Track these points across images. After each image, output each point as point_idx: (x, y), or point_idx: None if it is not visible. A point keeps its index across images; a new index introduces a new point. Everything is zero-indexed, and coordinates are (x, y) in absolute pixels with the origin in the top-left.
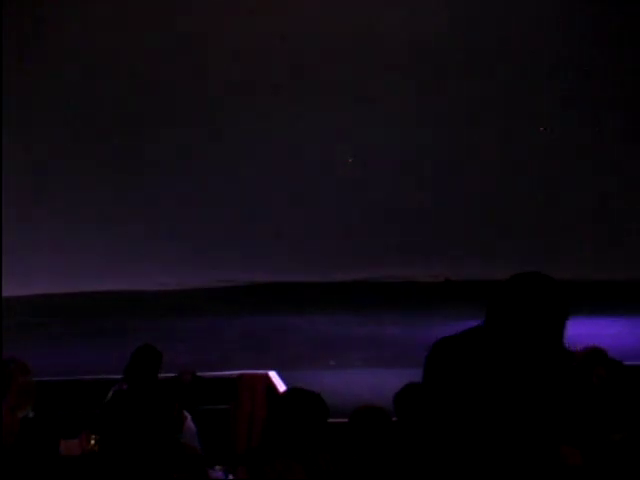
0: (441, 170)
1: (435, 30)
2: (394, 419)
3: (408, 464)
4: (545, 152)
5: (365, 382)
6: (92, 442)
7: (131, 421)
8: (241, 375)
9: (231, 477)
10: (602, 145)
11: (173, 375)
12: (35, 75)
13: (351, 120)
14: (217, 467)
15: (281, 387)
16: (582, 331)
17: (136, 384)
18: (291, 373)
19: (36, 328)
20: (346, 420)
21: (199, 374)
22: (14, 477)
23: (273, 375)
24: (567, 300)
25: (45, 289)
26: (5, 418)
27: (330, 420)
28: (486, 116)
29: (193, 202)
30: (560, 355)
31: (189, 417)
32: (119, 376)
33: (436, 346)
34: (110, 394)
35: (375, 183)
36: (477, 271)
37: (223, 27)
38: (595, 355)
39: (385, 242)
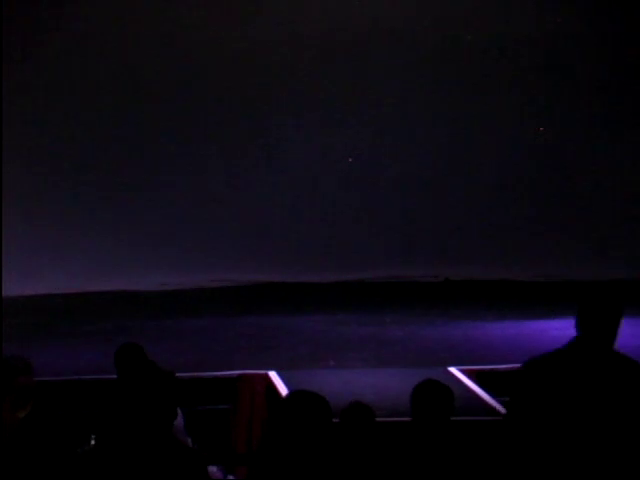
0: (441, 171)
1: (435, 31)
2: (394, 418)
3: (422, 462)
4: (544, 152)
5: (365, 382)
6: (92, 442)
7: (128, 419)
8: (241, 375)
9: (231, 477)
10: (600, 145)
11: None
12: (36, 75)
13: (351, 120)
14: (217, 467)
15: (281, 387)
16: None
17: (130, 384)
18: (291, 373)
19: (36, 328)
20: None
21: (198, 374)
22: (14, 477)
23: (273, 375)
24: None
25: (45, 289)
26: (5, 418)
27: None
28: (486, 117)
29: (193, 203)
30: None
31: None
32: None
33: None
34: (108, 398)
35: (375, 183)
36: (477, 271)
37: (223, 28)
38: None
39: (385, 242)
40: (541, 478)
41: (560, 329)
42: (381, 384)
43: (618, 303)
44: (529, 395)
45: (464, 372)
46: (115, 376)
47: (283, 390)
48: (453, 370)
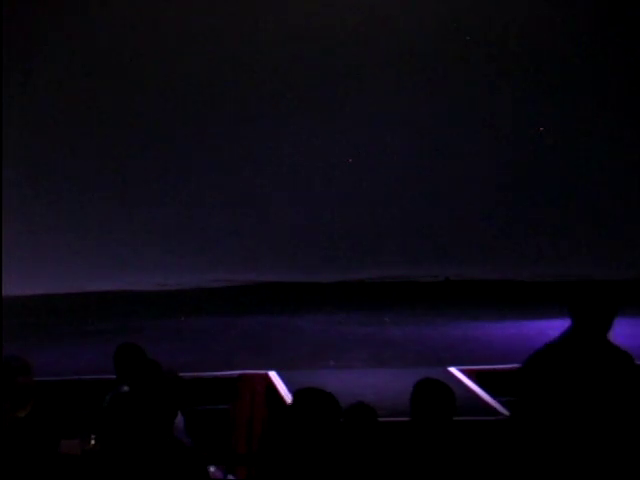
0: (441, 171)
1: (434, 31)
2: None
3: (422, 461)
4: (544, 152)
5: (365, 382)
6: (92, 442)
7: (130, 420)
8: (241, 375)
9: (231, 477)
10: (600, 145)
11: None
12: (36, 74)
13: (351, 120)
14: (217, 467)
15: (281, 387)
16: None
17: (132, 384)
18: (291, 373)
19: (36, 328)
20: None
21: (198, 374)
22: (14, 477)
23: (273, 375)
24: None
25: (45, 289)
26: (5, 418)
27: None
28: (486, 117)
29: (193, 202)
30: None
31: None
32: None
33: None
34: (108, 397)
35: (375, 183)
36: (477, 271)
37: (223, 26)
38: None
39: (385, 242)
40: (549, 474)
41: (560, 329)
42: (381, 384)
43: (611, 296)
44: (537, 391)
45: (464, 372)
46: (114, 377)
47: (283, 390)
48: (453, 370)
